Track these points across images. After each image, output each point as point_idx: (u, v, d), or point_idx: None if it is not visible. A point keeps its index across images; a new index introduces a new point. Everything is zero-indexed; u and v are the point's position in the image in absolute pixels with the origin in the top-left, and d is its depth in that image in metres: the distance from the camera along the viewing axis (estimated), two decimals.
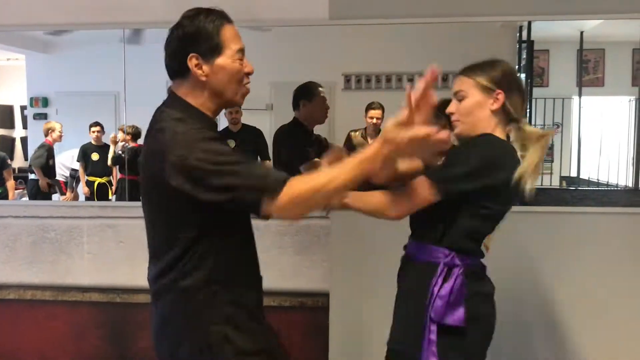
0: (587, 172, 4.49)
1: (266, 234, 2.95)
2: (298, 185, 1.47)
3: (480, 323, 1.79)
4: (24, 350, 3.26)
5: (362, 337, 2.96)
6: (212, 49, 1.57)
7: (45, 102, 6.19)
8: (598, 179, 4.47)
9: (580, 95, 4.47)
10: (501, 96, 1.78)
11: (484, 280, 1.87)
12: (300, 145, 3.03)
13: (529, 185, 1.75)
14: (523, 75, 4.35)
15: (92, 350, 3.22)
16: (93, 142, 4.66)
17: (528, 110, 4.33)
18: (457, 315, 1.73)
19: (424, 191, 1.73)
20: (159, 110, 1.62)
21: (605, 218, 2.96)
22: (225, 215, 1.57)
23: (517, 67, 4.24)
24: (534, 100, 4.37)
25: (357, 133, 3.84)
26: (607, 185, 4.39)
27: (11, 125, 6.99)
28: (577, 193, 4.22)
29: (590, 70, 4.60)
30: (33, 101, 6.33)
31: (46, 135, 5.31)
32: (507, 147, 1.80)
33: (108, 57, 3.72)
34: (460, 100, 1.82)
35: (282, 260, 3.04)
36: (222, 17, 1.63)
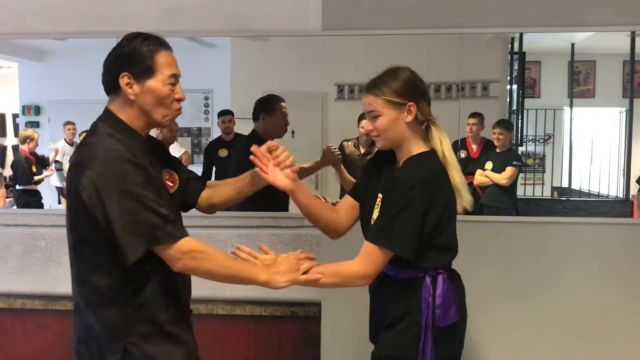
0: (578, 183, 4.51)
1: (257, 243, 2.93)
2: (195, 251, 1.62)
3: (463, 313, 1.94)
4: None
5: (354, 347, 2.95)
6: (143, 71, 1.66)
7: (38, 110, 6.16)
8: (589, 190, 4.49)
9: (571, 106, 4.50)
10: (413, 108, 1.83)
11: (457, 276, 1.97)
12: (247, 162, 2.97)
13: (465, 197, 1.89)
14: (515, 87, 4.39)
15: None
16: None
17: (520, 120, 4.36)
18: (452, 313, 1.86)
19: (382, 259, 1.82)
20: (93, 124, 1.72)
21: (596, 228, 2.97)
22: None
23: (508, 78, 4.27)
24: (525, 112, 4.40)
25: (350, 143, 3.85)
26: (598, 195, 4.41)
27: (2, 134, 6.97)
28: (568, 203, 4.24)
29: (581, 81, 4.64)
30: (25, 109, 6.30)
31: (23, 143, 5.32)
32: (434, 170, 1.86)
33: (101, 66, 3.72)
34: (375, 118, 1.85)
35: None
36: (159, 43, 1.70)
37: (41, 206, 4.68)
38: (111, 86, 1.69)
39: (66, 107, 5.08)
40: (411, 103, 1.83)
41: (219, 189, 1.96)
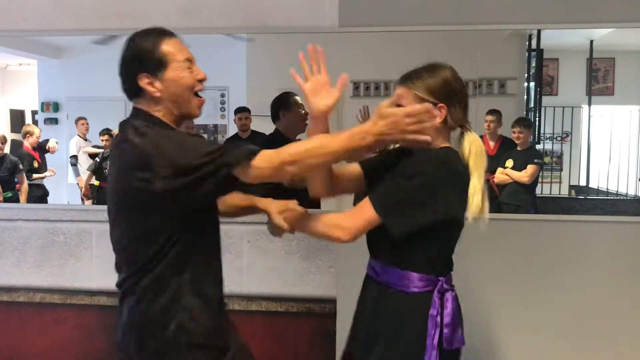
0: (596, 181, 4.48)
1: (273, 240, 2.95)
2: (290, 148, 1.55)
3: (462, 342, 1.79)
4: (31, 354, 3.28)
5: None
6: (156, 65, 1.63)
7: (56, 107, 6.23)
8: (607, 188, 4.45)
9: (589, 104, 4.47)
10: (444, 110, 1.70)
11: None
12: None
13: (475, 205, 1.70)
14: (532, 84, 4.36)
15: (98, 354, 3.23)
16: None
17: (537, 118, 4.33)
18: (459, 336, 1.72)
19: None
20: (125, 124, 1.67)
21: (614, 227, 2.94)
22: (198, 216, 1.63)
23: (526, 75, 4.24)
24: (542, 109, 4.37)
25: None
26: (616, 194, 4.37)
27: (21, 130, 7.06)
28: (586, 202, 4.21)
29: (599, 79, 4.60)
30: (44, 106, 6.38)
31: (24, 138, 5.40)
32: (455, 162, 1.72)
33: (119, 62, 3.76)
34: None
35: (288, 266, 3.04)
36: (159, 33, 1.67)
37: (45, 200, 4.75)
38: (134, 91, 1.66)
39: (85, 103, 5.14)
40: (442, 104, 1.70)
41: (231, 198, 1.92)
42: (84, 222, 3.22)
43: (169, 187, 1.52)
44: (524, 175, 3.75)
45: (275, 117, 3.26)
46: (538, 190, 4.09)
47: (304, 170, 1.58)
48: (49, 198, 5.20)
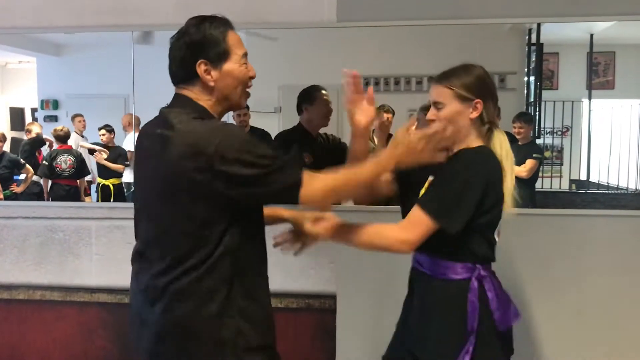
0: (597, 176, 4.46)
1: (271, 235, 2.95)
2: (326, 178, 1.60)
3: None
4: (32, 351, 3.28)
5: (369, 339, 2.95)
6: (219, 55, 1.62)
7: (56, 104, 6.23)
8: (608, 182, 4.44)
9: (590, 98, 4.45)
10: (480, 105, 1.83)
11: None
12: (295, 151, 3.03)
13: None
14: (532, 79, 4.34)
15: (98, 351, 3.23)
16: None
17: (537, 113, 4.31)
18: (513, 312, 1.86)
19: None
20: (167, 111, 1.63)
21: (614, 221, 2.94)
22: (245, 211, 1.60)
23: (526, 69, 4.23)
24: (543, 103, 4.36)
25: None
26: (617, 188, 4.36)
27: (22, 128, 7.04)
28: (586, 196, 4.19)
29: (600, 73, 4.58)
30: (44, 103, 6.37)
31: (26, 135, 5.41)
32: (494, 160, 1.85)
33: (118, 59, 3.75)
34: (439, 109, 1.85)
35: (288, 262, 3.02)
36: (226, 24, 1.67)
37: (42, 197, 4.75)
38: (186, 75, 1.63)
39: (84, 101, 5.14)
40: (478, 100, 1.83)
41: None
42: (83, 219, 3.22)
43: (225, 179, 1.51)
44: (522, 170, 3.74)
45: (299, 111, 3.26)
46: (538, 185, 4.08)
47: (340, 200, 1.71)
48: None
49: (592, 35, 4.12)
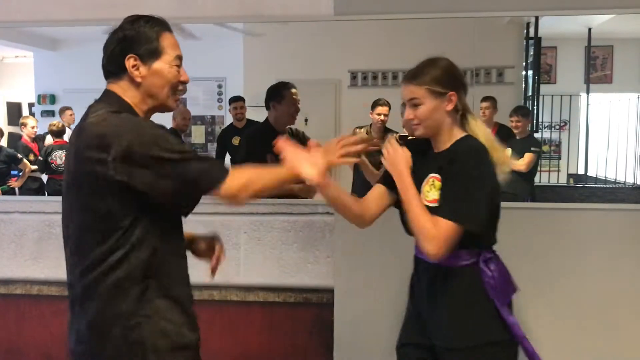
0: (594, 170, 4.46)
1: (270, 230, 2.95)
2: (242, 175, 1.60)
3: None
4: (29, 345, 3.28)
5: (367, 333, 2.95)
6: (150, 53, 1.63)
7: (53, 99, 6.22)
8: (605, 176, 4.44)
9: (588, 92, 4.45)
10: (454, 97, 1.86)
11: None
12: (259, 151, 2.85)
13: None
14: (530, 73, 4.34)
15: None
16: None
17: (535, 107, 4.31)
18: (512, 287, 1.97)
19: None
20: (92, 106, 1.65)
21: (612, 215, 2.93)
22: (156, 206, 1.57)
23: (524, 63, 4.23)
24: (541, 98, 4.36)
25: (363, 130, 3.84)
26: (615, 182, 4.36)
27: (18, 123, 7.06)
28: (584, 190, 4.20)
29: (598, 67, 4.58)
30: (41, 98, 6.37)
31: (21, 129, 5.40)
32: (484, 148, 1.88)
33: None
34: (416, 106, 1.86)
35: (286, 256, 3.03)
36: (162, 24, 1.68)
37: (42, 192, 4.74)
38: (114, 69, 1.64)
39: (81, 95, 5.12)
40: (452, 92, 1.85)
41: None
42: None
43: (125, 172, 1.50)
44: (520, 164, 3.75)
45: (267, 107, 3.25)
46: (537, 179, 4.09)
47: (257, 196, 1.63)
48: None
49: (590, 29, 4.12)
